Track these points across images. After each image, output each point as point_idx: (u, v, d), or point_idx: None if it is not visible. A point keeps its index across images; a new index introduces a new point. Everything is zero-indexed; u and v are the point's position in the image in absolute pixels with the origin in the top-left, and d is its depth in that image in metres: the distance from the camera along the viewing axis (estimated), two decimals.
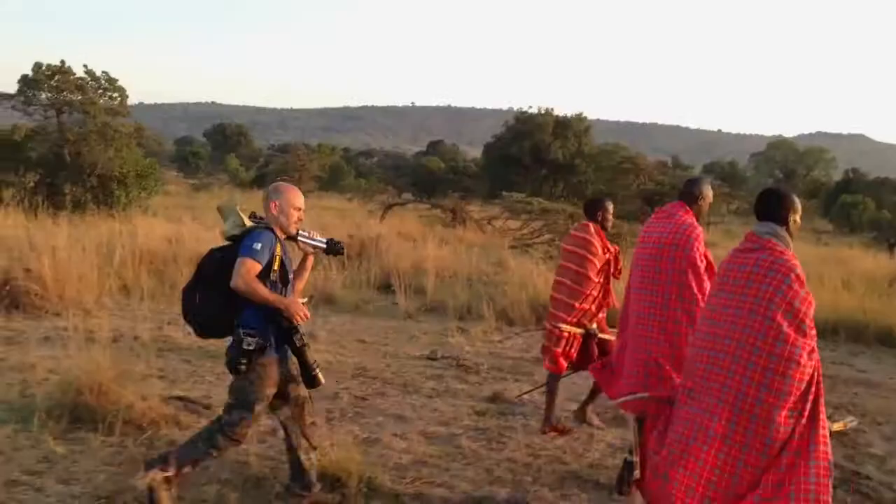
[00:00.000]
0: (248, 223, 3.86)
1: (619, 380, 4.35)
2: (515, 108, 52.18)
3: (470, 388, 6.87)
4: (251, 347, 3.73)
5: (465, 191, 55.00)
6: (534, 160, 48.30)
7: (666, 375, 4.03)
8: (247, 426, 3.84)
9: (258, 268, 3.69)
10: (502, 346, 8.67)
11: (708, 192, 4.40)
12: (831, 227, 45.72)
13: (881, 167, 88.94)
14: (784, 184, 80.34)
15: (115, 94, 20.97)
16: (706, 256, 4.17)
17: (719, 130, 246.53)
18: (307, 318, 3.85)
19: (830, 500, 3.10)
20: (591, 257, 5.31)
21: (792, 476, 3.10)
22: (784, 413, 3.12)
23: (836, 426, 4.30)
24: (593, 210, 5.51)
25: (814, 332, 3.21)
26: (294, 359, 3.94)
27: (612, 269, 5.47)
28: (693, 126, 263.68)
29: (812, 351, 3.17)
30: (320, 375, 3.94)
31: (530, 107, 51.05)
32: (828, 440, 3.17)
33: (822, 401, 3.20)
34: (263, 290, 3.70)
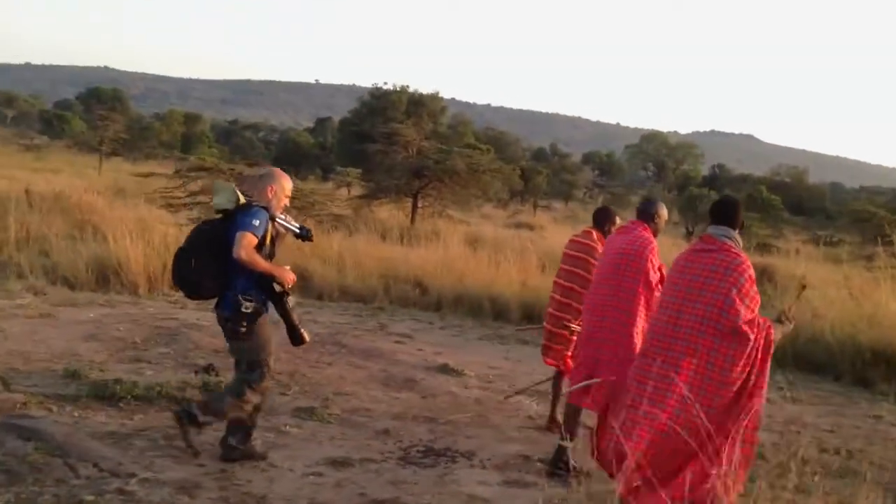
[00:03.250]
0: (243, 200, 4.35)
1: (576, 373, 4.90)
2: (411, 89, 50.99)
3: None
4: (249, 311, 4.30)
5: (324, 166, 54.13)
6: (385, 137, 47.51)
7: (613, 363, 4.55)
8: (267, 380, 4.52)
9: (256, 241, 4.22)
10: None
11: (663, 212, 5.02)
12: (679, 218, 46.80)
13: (763, 166, 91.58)
14: (658, 175, 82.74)
15: None
16: (660, 269, 4.75)
17: (618, 123, 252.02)
18: (294, 281, 4.51)
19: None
20: (595, 262, 5.45)
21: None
22: (736, 372, 3.74)
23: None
24: (602, 220, 5.73)
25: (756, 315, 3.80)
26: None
27: None
28: (593, 118, 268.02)
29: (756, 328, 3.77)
30: (305, 334, 4.59)
31: (385, 83, 49.93)
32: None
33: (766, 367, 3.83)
34: (261, 261, 4.26)
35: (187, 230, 5.91)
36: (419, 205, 20.48)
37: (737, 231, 3.93)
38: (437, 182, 20.48)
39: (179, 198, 12.14)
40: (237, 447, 4.46)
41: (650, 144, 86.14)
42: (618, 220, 5.73)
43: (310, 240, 4.76)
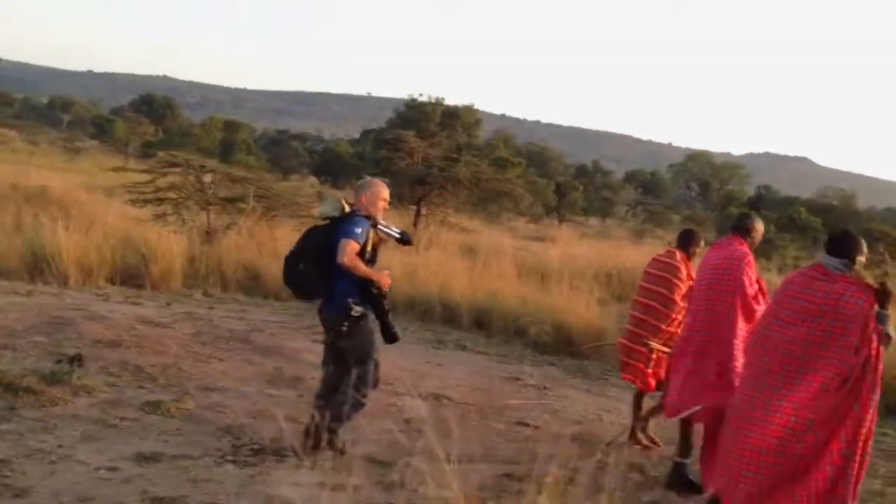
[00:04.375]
0: (347, 209, 4.69)
1: (673, 395, 4.91)
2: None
3: None
4: (358, 315, 4.66)
5: (360, 176, 54.32)
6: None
7: (719, 385, 4.56)
8: (376, 372, 4.89)
9: (358, 248, 4.56)
10: None
11: (759, 227, 5.01)
12: (715, 236, 45.81)
13: (816, 189, 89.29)
14: (703, 195, 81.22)
15: None
16: (758, 281, 4.74)
17: (669, 143, 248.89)
18: (390, 286, 4.80)
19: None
20: (678, 282, 5.57)
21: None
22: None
23: None
24: (687, 242, 5.79)
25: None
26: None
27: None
28: (644, 137, 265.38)
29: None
30: (398, 333, 4.91)
31: (420, 94, 49.85)
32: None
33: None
34: (362, 266, 4.59)
35: (134, 224, 5.73)
36: (422, 212, 20.18)
37: (853, 264, 4.01)
38: (440, 190, 20.18)
39: (145, 193, 12.01)
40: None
41: (695, 164, 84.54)
42: (701, 242, 5.82)
43: (409, 244, 5.11)
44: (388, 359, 7.42)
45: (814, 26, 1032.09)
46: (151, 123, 66.30)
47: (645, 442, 5.81)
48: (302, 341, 7.71)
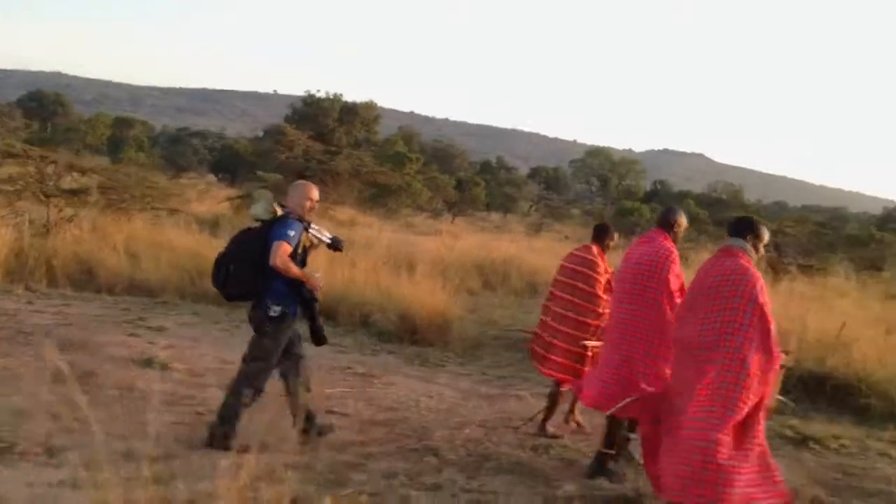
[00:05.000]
0: (279, 211, 4.73)
1: (591, 387, 4.93)
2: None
3: None
4: (276, 314, 4.69)
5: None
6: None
7: (642, 374, 4.64)
8: (266, 376, 4.81)
9: (290, 250, 4.63)
10: None
11: (683, 220, 5.05)
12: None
13: (710, 183, 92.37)
14: (602, 190, 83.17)
15: None
16: (679, 276, 4.78)
17: (574, 140, 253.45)
18: (323, 287, 4.92)
19: None
20: (596, 276, 5.69)
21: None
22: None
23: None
24: (602, 236, 5.93)
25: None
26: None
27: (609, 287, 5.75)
28: (551, 135, 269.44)
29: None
30: (326, 335, 4.97)
31: (318, 91, 49.23)
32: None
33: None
34: (294, 267, 4.66)
35: None
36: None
37: (751, 244, 4.19)
38: (320, 183, 19.80)
39: None
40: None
41: (595, 160, 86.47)
42: (615, 236, 6.02)
43: (340, 249, 5.13)
44: (200, 350, 7.14)
45: (712, 31, 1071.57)
46: (41, 121, 63.48)
47: (574, 426, 6.00)
48: (115, 335, 7.27)
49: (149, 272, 9.99)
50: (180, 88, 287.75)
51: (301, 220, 4.78)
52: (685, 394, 4.10)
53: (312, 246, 5.00)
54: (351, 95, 52.31)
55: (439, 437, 5.47)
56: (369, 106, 55.30)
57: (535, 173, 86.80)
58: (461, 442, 5.42)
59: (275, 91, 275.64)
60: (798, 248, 24.46)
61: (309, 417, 4.89)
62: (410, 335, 8.80)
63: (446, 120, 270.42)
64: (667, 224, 4.99)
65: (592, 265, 5.74)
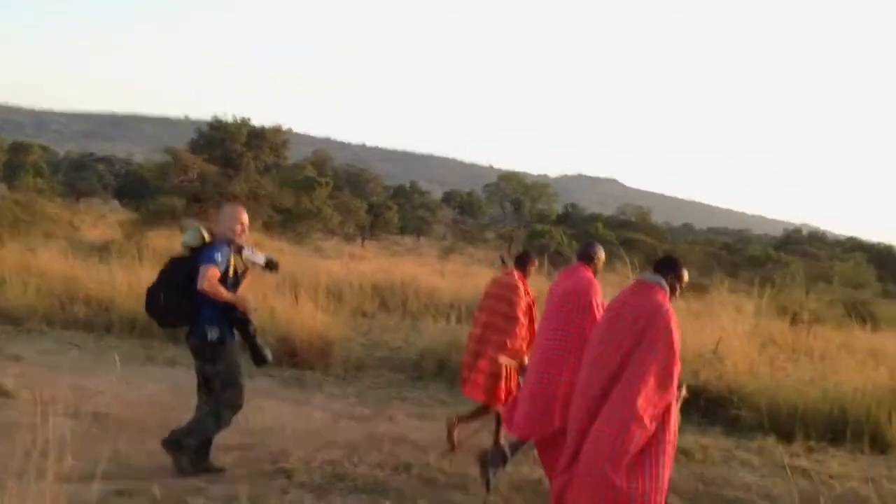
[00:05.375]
0: (208, 238, 4.79)
1: (516, 412, 5.05)
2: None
3: None
4: (214, 338, 4.78)
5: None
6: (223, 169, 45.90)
7: (564, 404, 4.61)
8: (241, 396, 4.95)
9: (218, 273, 4.69)
10: None
11: (601, 254, 5.35)
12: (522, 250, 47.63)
13: (619, 206, 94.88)
14: (516, 213, 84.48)
15: None
16: (601, 306, 4.91)
17: (490, 166, 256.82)
18: (256, 309, 4.98)
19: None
20: (517, 299, 5.88)
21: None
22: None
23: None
24: (524, 263, 6.16)
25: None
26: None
27: (532, 312, 6.03)
28: (467, 160, 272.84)
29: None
30: (268, 354, 5.07)
31: (225, 114, 48.44)
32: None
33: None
34: (223, 291, 4.72)
35: None
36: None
37: (668, 282, 4.27)
38: (216, 207, 19.38)
39: None
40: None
41: (507, 184, 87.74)
42: (535, 262, 6.27)
43: (276, 270, 5.14)
44: (66, 378, 6.81)
45: (626, 60, 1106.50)
46: None
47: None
48: None
49: (15, 299, 9.50)
50: (87, 113, 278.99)
51: (230, 243, 4.79)
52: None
53: (246, 269, 4.98)
54: (266, 121, 51.69)
55: (296, 459, 5.32)
56: (277, 130, 54.67)
57: (449, 197, 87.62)
58: (318, 464, 5.28)
59: (186, 116, 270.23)
60: (696, 268, 25.34)
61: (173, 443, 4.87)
62: (290, 358, 8.59)
63: (362, 146, 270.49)
64: (587, 257, 5.30)
65: (514, 289, 5.97)
